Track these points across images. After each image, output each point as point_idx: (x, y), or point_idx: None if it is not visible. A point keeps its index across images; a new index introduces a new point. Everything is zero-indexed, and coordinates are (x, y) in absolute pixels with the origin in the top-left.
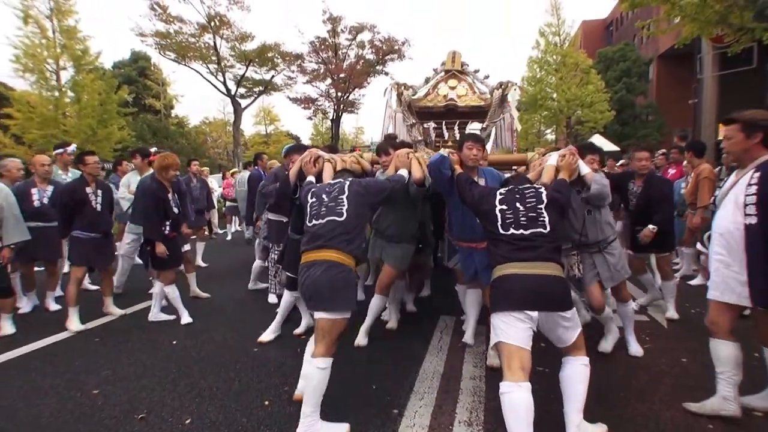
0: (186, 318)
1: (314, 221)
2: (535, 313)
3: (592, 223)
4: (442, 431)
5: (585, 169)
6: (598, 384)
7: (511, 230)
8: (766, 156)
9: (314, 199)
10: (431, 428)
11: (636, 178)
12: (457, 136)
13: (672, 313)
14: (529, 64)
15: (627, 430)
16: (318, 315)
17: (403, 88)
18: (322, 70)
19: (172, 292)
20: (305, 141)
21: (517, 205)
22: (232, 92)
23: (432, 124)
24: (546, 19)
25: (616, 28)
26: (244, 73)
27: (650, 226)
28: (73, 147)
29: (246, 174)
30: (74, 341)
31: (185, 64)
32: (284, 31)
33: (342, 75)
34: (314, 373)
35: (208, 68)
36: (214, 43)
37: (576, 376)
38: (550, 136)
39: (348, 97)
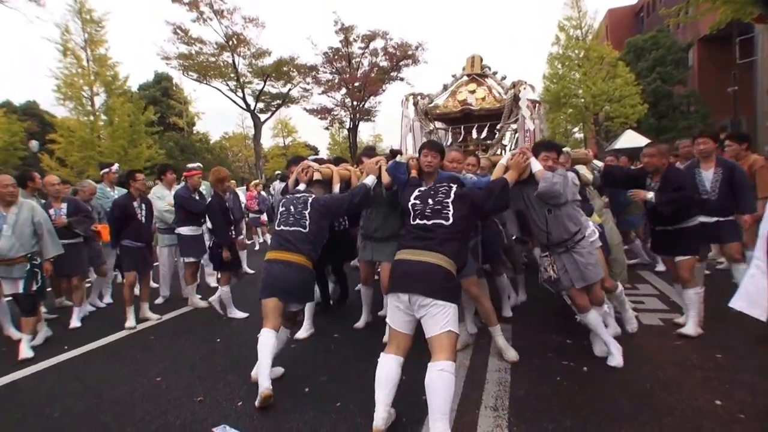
0: (239, 314)
1: (282, 227)
2: (405, 296)
3: (554, 222)
4: (469, 416)
5: (536, 166)
6: (623, 376)
7: (417, 221)
8: None
9: (284, 208)
10: (459, 413)
11: (654, 175)
12: (475, 137)
13: (690, 328)
14: (550, 60)
15: (649, 417)
16: (292, 306)
17: (419, 97)
18: (336, 80)
19: (227, 292)
20: (323, 151)
21: (428, 200)
22: (252, 107)
23: (449, 129)
24: (566, 12)
25: (647, 13)
26: (262, 88)
27: (649, 194)
28: (116, 166)
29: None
30: (132, 339)
31: (207, 83)
32: (298, 44)
33: (356, 84)
34: (281, 337)
35: (227, 85)
36: (233, 61)
37: (431, 383)
38: (579, 135)
39: (364, 105)
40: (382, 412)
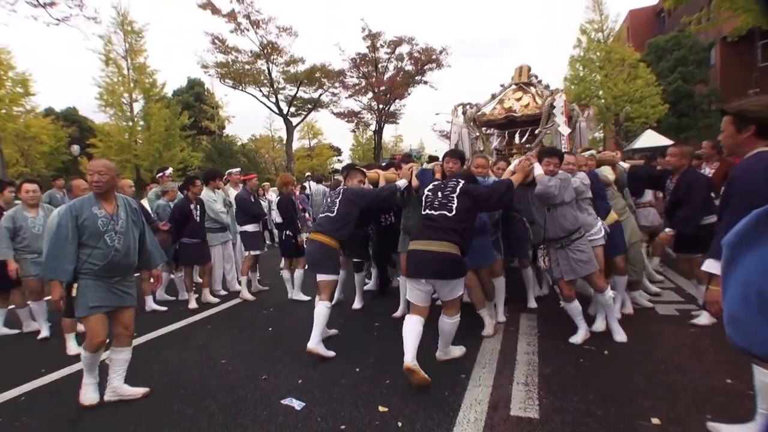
0: (302, 296)
1: (320, 214)
2: (422, 280)
3: (550, 220)
4: (502, 389)
5: (537, 170)
6: (641, 359)
7: (426, 211)
8: (761, 148)
9: (327, 200)
10: (494, 387)
11: (673, 175)
12: (517, 141)
13: (704, 317)
14: (571, 62)
15: (662, 395)
16: (319, 277)
17: (467, 106)
18: (363, 84)
19: (300, 276)
20: (346, 152)
21: (438, 193)
22: (284, 112)
23: (497, 134)
24: (587, 15)
25: (669, 14)
26: (295, 94)
27: (667, 230)
28: (170, 170)
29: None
30: (193, 327)
31: (242, 89)
32: (326, 50)
33: (382, 88)
34: (320, 310)
35: (261, 91)
36: (268, 68)
37: (443, 327)
38: (598, 135)
39: (389, 108)
40: (410, 354)
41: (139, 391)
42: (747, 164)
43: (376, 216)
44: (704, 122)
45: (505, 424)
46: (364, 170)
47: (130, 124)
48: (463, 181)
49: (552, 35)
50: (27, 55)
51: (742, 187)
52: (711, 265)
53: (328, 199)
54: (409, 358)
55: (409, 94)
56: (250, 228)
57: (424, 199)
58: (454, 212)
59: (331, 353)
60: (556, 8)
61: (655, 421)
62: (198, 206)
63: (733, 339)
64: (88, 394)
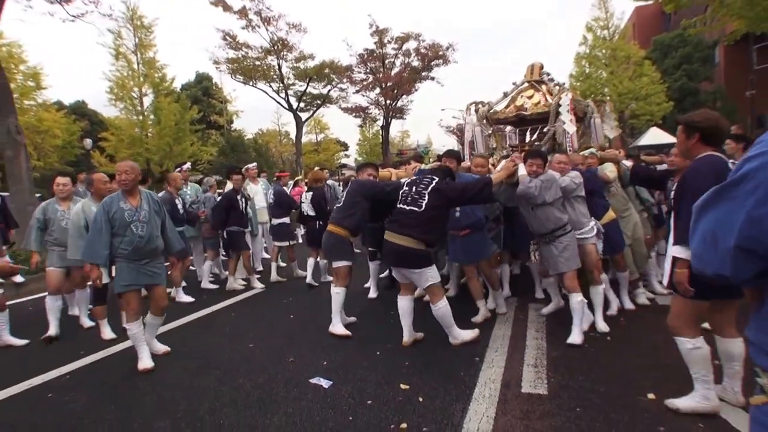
0: (328, 278)
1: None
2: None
3: (534, 218)
4: (513, 370)
5: (521, 171)
6: (639, 344)
7: (400, 205)
8: (704, 153)
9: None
10: (505, 368)
11: (675, 175)
12: (528, 139)
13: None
14: (577, 60)
15: (658, 374)
16: (335, 264)
17: (480, 105)
18: (370, 80)
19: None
20: (353, 147)
21: (413, 188)
22: (294, 107)
23: (508, 132)
24: (593, 13)
25: (675, 11)
26: (305, 90)
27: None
28: (188, 165)
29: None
30: (217, 315)
31: (253, 85)
32: (334, 46)
33: (390, 84)
34: (336, 297)
35: (271, 87)
36: (278, 64)
37: (438, 316)
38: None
39: (396, 104)
40: (407, 332)
41: (162, 347)
42: (696, 165)
43: (391, 209)
44: None
45: (517, 399)
46: (377, 165)
47: (141, 118)
48: (436, 178)
49: (560, 31)
50: (37, 50)
51: (692, 185)
52: (677, 251)
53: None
54: (406, 337)
55: (416, 90)
56: (286, 220)
57: (401, 193)
58: (422, 209)
59: (349, 333)
60: (563, 3)
61: (651, 396)
62: (243, 198)
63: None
64: (144, 360)
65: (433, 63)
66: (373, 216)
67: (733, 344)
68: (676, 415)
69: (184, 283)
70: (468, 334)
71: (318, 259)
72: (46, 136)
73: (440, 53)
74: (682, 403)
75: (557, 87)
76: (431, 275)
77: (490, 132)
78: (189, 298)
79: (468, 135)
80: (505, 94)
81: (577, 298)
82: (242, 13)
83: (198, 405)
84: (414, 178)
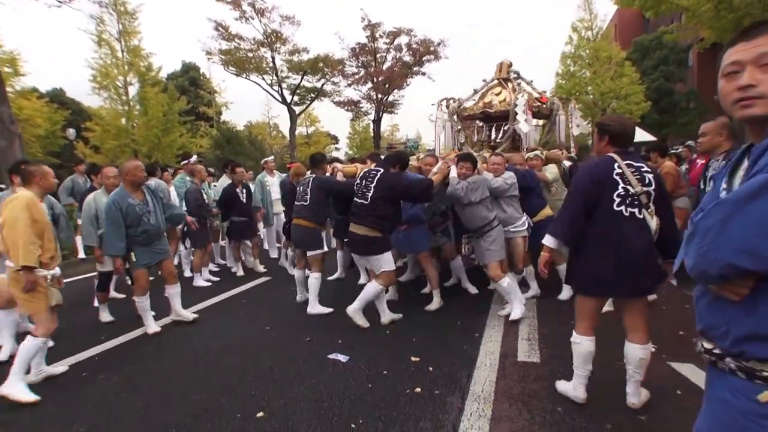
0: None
1: (297, 202)
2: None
3: (464, 215)
4: (509, 344)
5: (452, 173)
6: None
7: (355, 198)
8: (607, 153)
9: (300, 188)
10: (502, 342)
11: None
12: (493, 136)
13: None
14: (562, 59)
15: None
16: (310, 253)
17: (450, 101)
18: (362, 74)
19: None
20: (343, 140)
21: (363, 181)
22: (288, 100)
23: (476, 128)
24: (579, 14)
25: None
26: (299, 83)
27: None
28: (194, 158)
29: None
30: (230, 302)
31: (246, 77)
32: (326, 39)
33: (381, 78)
34: (313, 282)
35: (263, 79)
36: (272, 57)
37: (367, 286)
38: (586, 129)
39: (388, 98)
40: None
41: (190, 315)
42: (583, 166)
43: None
44: (683, 120)
45: (514, 366)
46: (327, 161)
47: (126, 108)
48: (381, 170)
49: (549, 27)
50: (12, 34)
51: (574, 181)
52: (547, 240)
53: (301, 189)
54: (385, 318)
55: (407, 85)
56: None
57: (356, 188)
58: (368, 201)
59: (330, 309)
60: (552, 2)
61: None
62: (244, 189)
63: (748, 266)
64: (151, 327)
65: (424, 58)
66: (339, 209)
67: (632, 348)
68: (651, 373)
69: (212, 267)
70: (361, 321)
71: (288, 249)
72: (27, 125)
73: (431, 49)
74: (560, 385)
75: (519, 85)
76: (385, 261)
77: (459, 128)
78: (205, 283)
79: (438, 129)
80: (475, 91)
81: (504, 283)
82: (235, 3)
83: (228, 379)
84: (364, 171)
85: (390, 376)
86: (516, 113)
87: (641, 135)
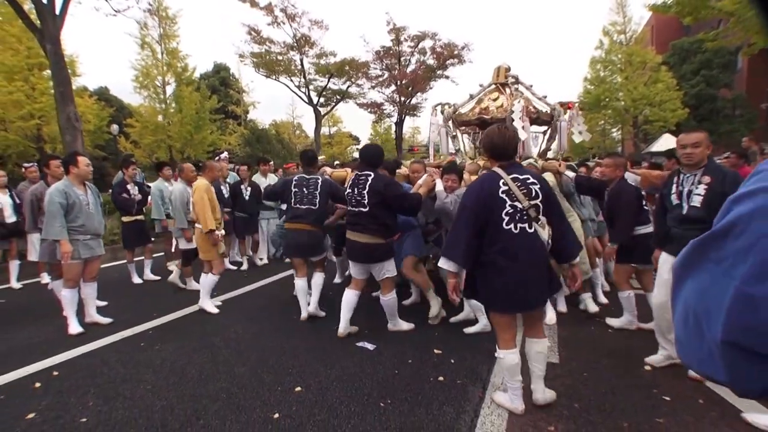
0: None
1: (298, 205)
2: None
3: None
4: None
5: (439, 186)
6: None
7: (350, 207)
8: (494, 167)
9: (296, 190)
10: (522, 342)
11: (608, 185)
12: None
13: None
14: (592, 63)
15: (653, 351)
16: (315, 258)
17: (445, 106)
18: (386, 76)
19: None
20: (364, 141)
21: (355, 189)
22: (314, 102)
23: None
24: (611, 17)
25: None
26: (326, 85)
27: (609, 243)
28: (225, 154)
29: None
30: (240, 299)
31: (275, 78)
32: (351, 42)
33: (404, 81)
34: (320, 282)
35: (292, 81)
36: (301, 60)
37: (385, 306)
38: (616, 135)
39: (411, 101)
40: (344, 324)
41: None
42: (473, 182)
43: None
44: (727, 128)
45: None
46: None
47: (164, 106)
48: (372, 174)
49: (576, 31)
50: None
51: (462, 202)
52: (446, 264)
53: (305, 190)
54: (342, 329)
55: (430, 88)
56: None
57: (348, 196)
58: (367, 208)
59: (322, 314)
60: (579, 7)
61: (647, 368)
62: (249, 187)
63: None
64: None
65: (448, 62)
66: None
67: (530, 343)
68: (672, 380)
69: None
70: (405, 326)
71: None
72: (81, 121)
73: (455, 52)
74: (498, 396)
75: (517, 90)
76: (388, 269)
77: (455, 134)
78: (232, 267)
79: (433, 135)
80: (471, 96)
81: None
82: (268, 9)
83: (267, 357)
84: (353, 179)
85: (415, 365)
86: (512, 120)
87: (673, 143)
